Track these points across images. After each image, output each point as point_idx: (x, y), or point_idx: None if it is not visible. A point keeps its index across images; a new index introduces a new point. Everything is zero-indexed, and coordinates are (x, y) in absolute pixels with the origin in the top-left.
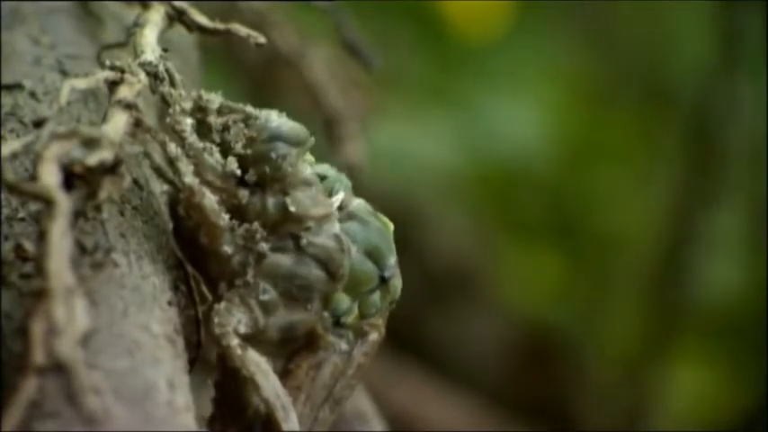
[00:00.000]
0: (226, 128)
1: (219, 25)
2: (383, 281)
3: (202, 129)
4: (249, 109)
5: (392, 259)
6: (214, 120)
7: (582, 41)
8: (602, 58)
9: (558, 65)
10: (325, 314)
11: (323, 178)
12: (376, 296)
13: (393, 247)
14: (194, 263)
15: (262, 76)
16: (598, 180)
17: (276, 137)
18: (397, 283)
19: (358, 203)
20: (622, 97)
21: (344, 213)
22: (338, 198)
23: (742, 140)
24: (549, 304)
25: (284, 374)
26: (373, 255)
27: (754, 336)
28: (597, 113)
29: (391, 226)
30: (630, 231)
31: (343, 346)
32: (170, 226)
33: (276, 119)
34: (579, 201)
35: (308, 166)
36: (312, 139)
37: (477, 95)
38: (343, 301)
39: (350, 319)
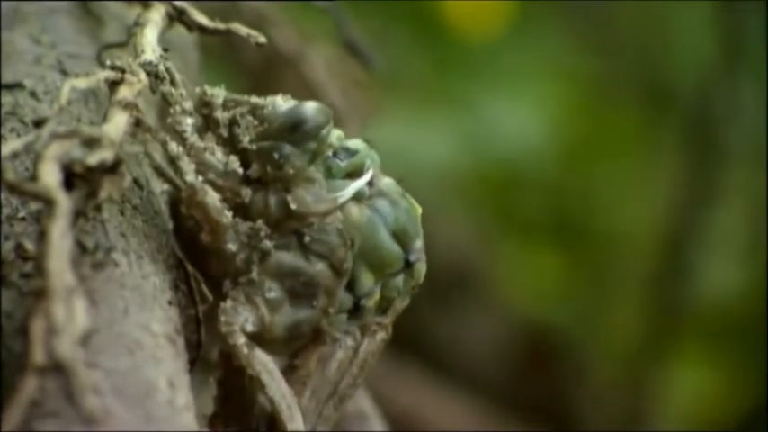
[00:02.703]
0: (234, 122)
1: (220, 25)
2: (408, 264)
3: (210, 124)
4: (254, 99)
5: (419, 243)
6: (221, 114)
7: (582, 41)
8: (602, 58)
9: (558, 64)
10: (347, 296)
11: (353, 153)
12: (399, 279)
13: (420, 230)
14: (194, 262)
15: (262, 76)
16: (598, 180)
17: (299, 121)
18: (421, 267)
19: (388, 182)
20: (622, 97)
21: (374, 190)
22: (368, 174)
23: (742, 140)
24: (549, 304)
25: (290, 370)
26: (400, 236)
27: (754, 336)
28: (597, 113)
29: (419, 209)
30: (631, 231)
31: (349, 342)
32: (170, 225)
33: (283, 103)
34: (579, 200)
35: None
36: (331, 112)
37: (477, 95)
38: (366, 281)
39: (370, 303)
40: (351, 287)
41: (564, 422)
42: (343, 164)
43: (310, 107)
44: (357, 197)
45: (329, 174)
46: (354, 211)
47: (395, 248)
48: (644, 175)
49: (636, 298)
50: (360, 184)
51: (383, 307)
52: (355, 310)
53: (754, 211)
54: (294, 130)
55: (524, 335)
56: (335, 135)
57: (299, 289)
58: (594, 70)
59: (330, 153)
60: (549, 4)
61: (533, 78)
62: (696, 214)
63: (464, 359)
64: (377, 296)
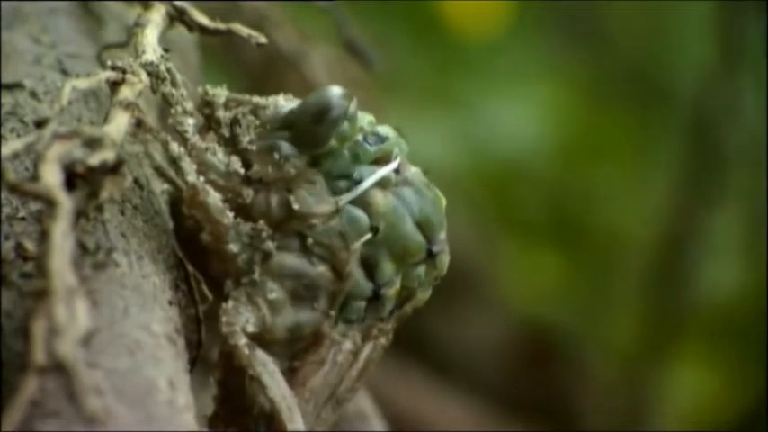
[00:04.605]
0: (235, 122)
1: (220, 25)
2: (430, 255)
3: (212, 124)
4: (256, 99)
5: (442, 234)
6: (223, 114)
7: (581, 41)
8: (601, 58)
9: (557, 64)
10: (366, 284)
11: (384, 139)
12: (421, 269)
13: (444, 221)
14: (195, 262)
15: (262, 76)
16: (598, 179)
17: (325, 108)
18: (444, 259)
19: (415, 171)
20: (622, 96)
21: (401, 178)
22: (396, 162)
23: (742, 140)
24: (549, 304)
25: (289, 372)
26: (424, 226)
27: (754, 336)
28: (597, 113)
29: (444, 200)
30: (630, 231)
31: (349, 346)
32: (170, 225)
33: (285, 103)
34: (579, 200)
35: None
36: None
37: (476, 95)
38: (387, 269)
39: (390, 291)
40: (371, 275)
41: (564, 422)
42: (372, 149)
43: (335, 93)
44: (383, 184)
45: (356, 159)
46: (380, 197)
47: (418, 238)
48: (643, 175)
49: (636, 298)
50: (386, 170)
51: (404, 297)
52: (374, 299)
53: (753, 212)
54: (320, 117)
55: (524, 334)
56: (366, 119)
57: (301, 291)
58: (594, 70)
59: (360, 137)
60: (549, 3)
61: (533, 78)
62: (696, 214)
63: (464, 359)
64: (397, 285)
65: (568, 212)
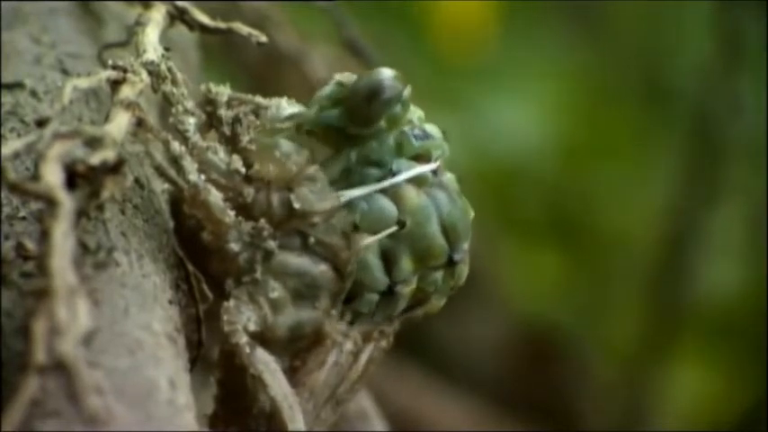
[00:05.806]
0: (237, 120)
1: (221, 24)
2: (451, 262)
3: (213, 122)
4: (258, 99)
5: (465, 245)
6: (224, 112)
7: (582, 40)
8: (602, 57)
9: (558, 64)
10: (383, 277)
11: (429, 137)
12: (439, 275)
13: (470, 233)
14: (195, 261)
15: (262, 76)
16: (598, 179)
17: (377, 89)
18: (463, 270)
19: (451, 178)
20: (622, 96)
21: (436, 180)
22: (435, 163)
23: (742, 140)
24: (549, 303)
25: (290, 371)
26: (450, 232)
27: (754, 336)
28: (597, 112)
29: (472, 213)
30: (630, 231)
31: (350, 346)
32: (171, 225)
33: (287, 106)
34: (580, 200)
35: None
36: (404, 90)
37: (477, 95)
38: (405, 266)
39: (405, 290)
40: (389, 270)
41: (564, 422)
42: (416, 144)
43: (386, 74)
44: (419, 182)
45: (400, 150)
46: (412, 194)
47: (441, 241)
48: (644, 174)
49: (636, 298)
50: (425, 169)
51: (419, 299)
52: (388, 294)
53: (754, 211)
54: (372, 97)
55: (525, 334)
56: (417, 114)
57: (303, 290)
58: (594, 70)
59: (407, 129)
60: (549, 3)
61: (533, 78)
62: (696, 214)
63: (464, 358)
64: (413, 285)
65: (568, 212)
